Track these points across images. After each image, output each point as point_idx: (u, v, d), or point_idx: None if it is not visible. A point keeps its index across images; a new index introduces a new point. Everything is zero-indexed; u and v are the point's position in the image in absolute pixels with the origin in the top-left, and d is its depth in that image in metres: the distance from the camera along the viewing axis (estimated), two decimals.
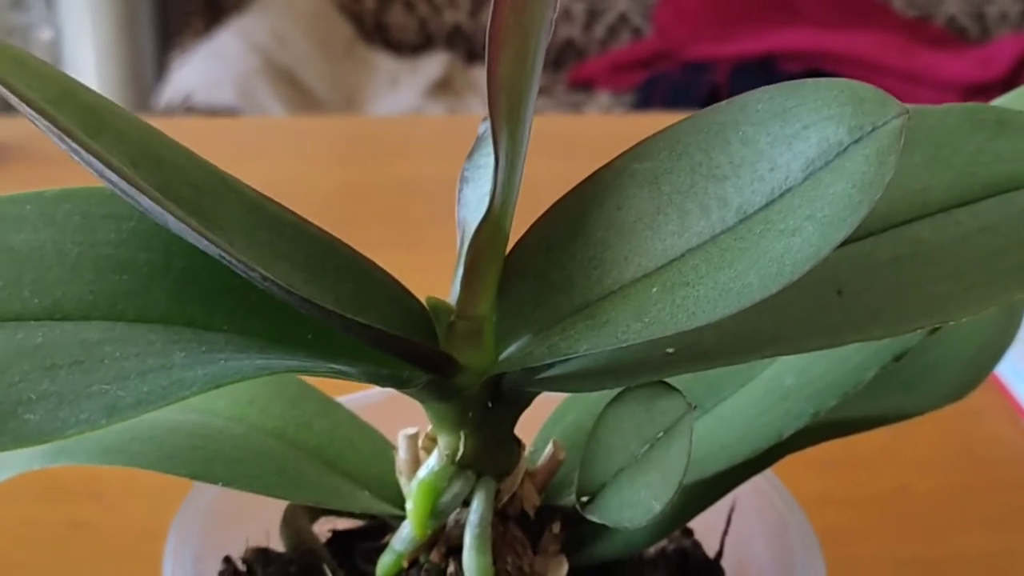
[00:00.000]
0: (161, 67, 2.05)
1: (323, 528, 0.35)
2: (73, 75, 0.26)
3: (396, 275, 0.28)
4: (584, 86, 2.11)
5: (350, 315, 0.25)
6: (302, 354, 0.27)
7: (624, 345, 0.26)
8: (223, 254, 0.24)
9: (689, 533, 0.36)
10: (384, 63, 2.03)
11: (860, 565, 0.51)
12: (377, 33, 2.15)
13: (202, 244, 0.24)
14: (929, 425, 0.60)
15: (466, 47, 2.15)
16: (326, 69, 1.93)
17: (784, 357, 0.33)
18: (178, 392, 0.24)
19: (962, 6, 2.18)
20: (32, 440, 0.23)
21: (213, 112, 1.73)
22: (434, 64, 2.01)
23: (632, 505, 0.28)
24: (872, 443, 0.59)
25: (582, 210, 0.29)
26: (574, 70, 2.15)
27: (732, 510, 0.35)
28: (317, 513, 0.35)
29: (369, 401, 0.36)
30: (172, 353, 0.25)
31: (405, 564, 0.31)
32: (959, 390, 0.35)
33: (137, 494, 0.54)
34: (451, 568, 0.30)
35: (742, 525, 0.35)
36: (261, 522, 0.34)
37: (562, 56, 2.18)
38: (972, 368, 0.35)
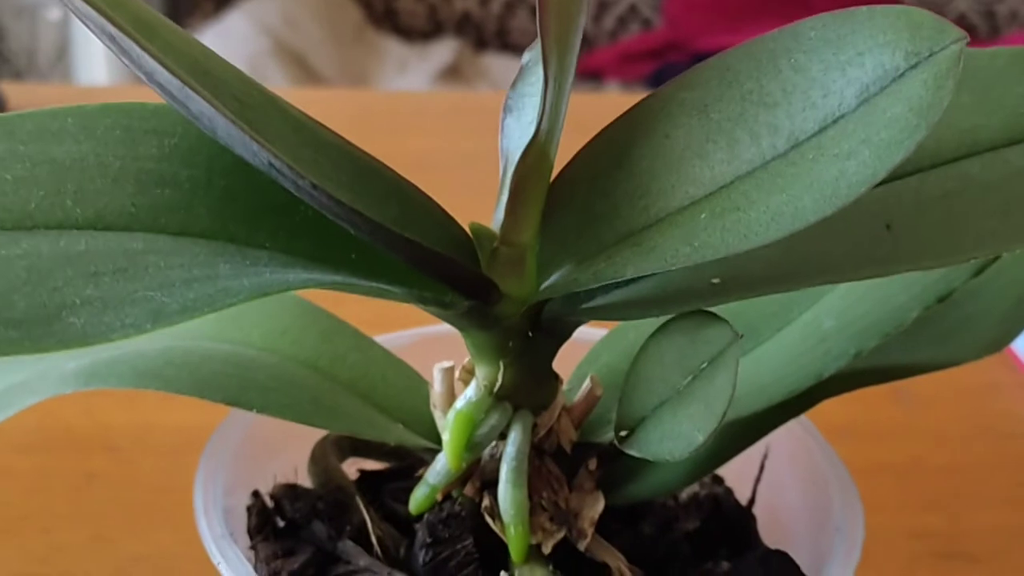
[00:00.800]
0: None
1: (351, 469, 0.35)
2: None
3: None
4: (594, 76, 2.10)
5: (397, 230, 0.25)
6: (346, 272, 0.26)
7: (672, 269, 0.26)
8: (272, 162, 0.24)
9: (720, 481, 0.36)
10: (393, 48, 2.02)
11: (874, 535, 0.50)
12: (387, 18, 2.14)
13: (250, 152, 0.24)
14: (945, 399, 0.61)
15: (475, 34, 2.14)
16: (335, 53, 1.92)
17: (824, 301, 0.33)
18: (224, 299, 0.23)
19: (972, 4, 2.18)
20: (77, 342, 0.22)
21: None
22: (443, 50, 2.01)
23: (673, 437, 0.28)
24: (887, 415, 0.59)
25: (628, 139, 0.28)
26: (584, 60, 2.14)
27: (765, 457, 0.35)
28: (345, 452, 0.34)
29: (401, 342, 0.36)
30: (216, 264, 0.25)
31: (439, 497, 0.30)
32: (995, 343, 0.35)
33: (151, 448, 0.53)
34: (486, 502, 0.30)
35: (776, 472, 0.35)
36: (290, 459, 0.34)
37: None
38: (1008, 322, 0.35)
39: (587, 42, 2.18)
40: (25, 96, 0.96)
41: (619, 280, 0.27)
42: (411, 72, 1.94)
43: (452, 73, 1.97)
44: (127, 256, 0.24)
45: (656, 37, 2.13)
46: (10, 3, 2.08)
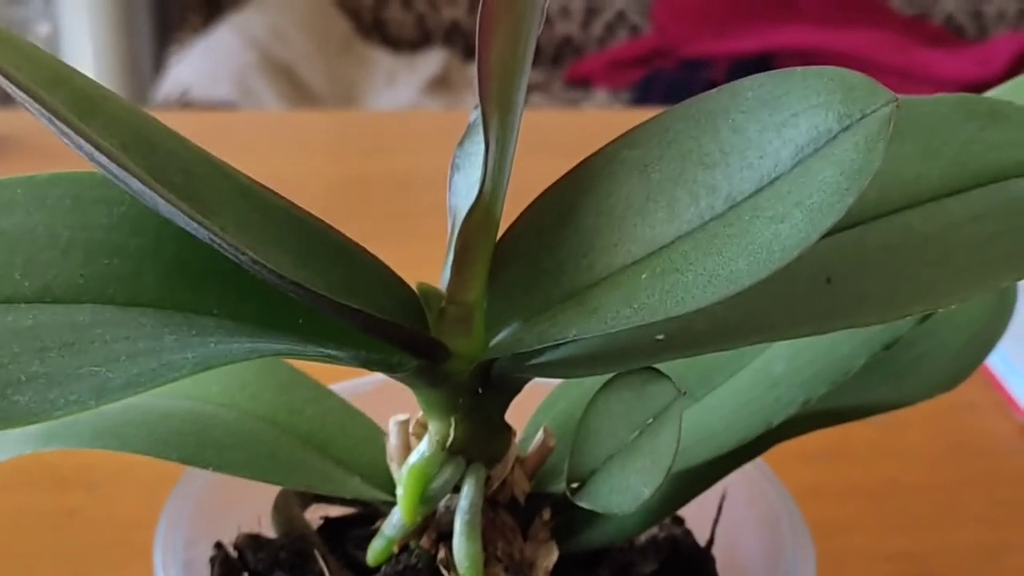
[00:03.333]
0: (159, 62, 2.05)
1: (314, 515, 0.35)
2: None
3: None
4: (582, 83, 2.11)
5: (340, 299, 0.25)
6: (293, 338, 0.27)
7: (613, 331, 0.26)
8: (213, 237, 0.24)
9: (680, 522, 0.36)
10: (382, 59, 2.03)
11: (849, 557, 0.51)
12: (375, 29, 2.15)
13: (192, 227, 0.25)
14: (920, 418, 0.61)
15: (464, 44, 2.15)
16: (323, 65, 1.93)
17: (774, 346, 0.33)
18: (168, 374, 0.24)
19: (960, 4, 2.19)
20: (21, 420, 0.23)
21: (210, 107, 1.73)
22: (432, 61, 2.01)
23: (622, 491, 0.28)
24: (862, 436, 0.60)
25: (572, 197, 0.29)
26: (572, 67, 2.15)
27: (723, 499, 0.35)
28: (308, 500, 0.35)
29: (360, 389, 0.36)
30: (162, 336, 0.25)
31: (396, 549, 0.31)
32: (949, 380, 0.35)
33: (131, 484, 0.54)
34: (441, 554, 0.30)
35: (733, 514, 0.35)
36: (252, 508, 0.34)
37: (560, 53, 2.18)
38: (962, 359, 0.35)
39: (575, 49, 2.19)
40: (9, 124, 0.97)
41: (564, 340, 0.28)
42: (400, 83, 1.95)
43: (441, 83, 1.97)
44: (74, 330, 0.25)
45: (644, 44, 2.13)
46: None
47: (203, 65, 1.84)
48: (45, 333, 0.25)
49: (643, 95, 1.99)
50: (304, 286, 0.25)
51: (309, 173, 0.91)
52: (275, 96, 1.79)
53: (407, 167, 0.95)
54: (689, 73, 1.99)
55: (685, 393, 0.27)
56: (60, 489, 0.53)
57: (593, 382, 0.33)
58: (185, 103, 1.75)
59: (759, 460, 0.35)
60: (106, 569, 0.49)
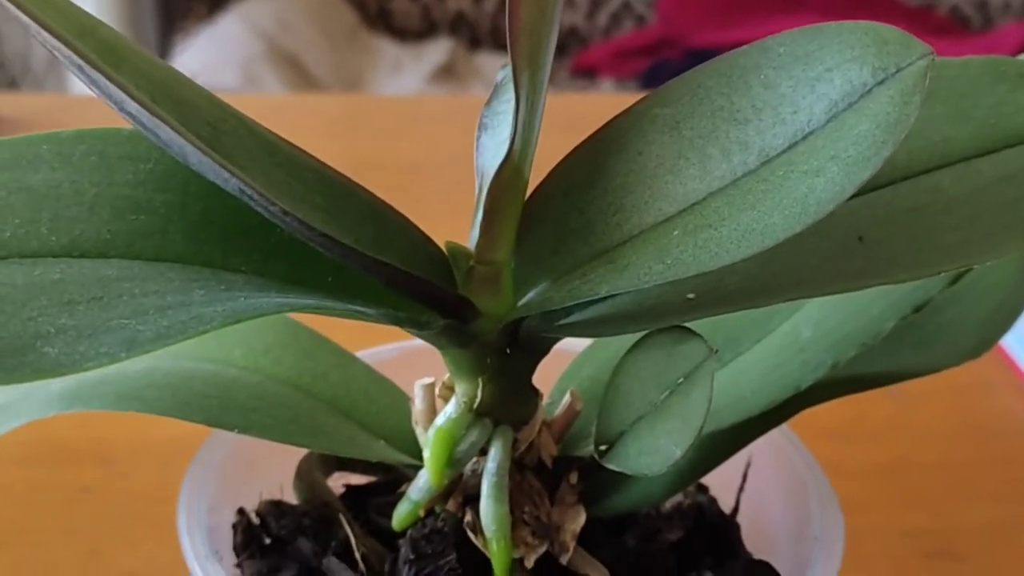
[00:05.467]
0: (164, 51, 2.05)
1: (337, 484, 0.35)
2: None
3: None
4: (587, 73, 2.10)
5: (370, 253, 0.25)
6: (321, 294, 0.27)
7: (645, 287, 0.26)
8: (243, 188, 0.24)
9: (705, 490, 0.36)
10: (387, 49, 2.02)
11: (865, 535, 0.51)
12: (380, 19, 2.14)
13: (221, 179, 0.24)
14: (934, 397, 0.61)
15: (469, 34, 2.14)
16: (329, 54, 1.92)
17: (802, 310, 0.33)
18: (197, 326, 0.23)
19: None
20: (50, 372, 0.22)
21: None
22: (437, 50, 2.01)
23: (651, 452, 0.28)
24: (877, 415, 0.59)
25: (601, 156, 0.29)
26: (577, 57, 2.14)
27: (748, 466, 0.35)
28: (331, 467, 0.34)
29: (384, 356, 0.36)
30: (191, 291, 0.25)
31: (421, 513, 0.30)
32: (975, 348, 0.35)
33: (146, 459, 0.54)
34: (467, 517, 0.30)
35: (759, 481, 0.35)
36: (275, 476, 0.34)
37: (565, 43, 2.18)
38: (987, 327, 0.35)
39: (581, 39, 2.18)
40: (17, 107, 0.97)
41: (594, 297, 0.27)
42: (405, 72, 1.94)
43: (446, 73, 1.97)
44: (101, 284, 0.24)
45: (650, 34, 2.13)
46: (4, 8, 2.07)
47: (209, 54, 1.83)
48: (73, 287, 0.24)
49: (649, 85, 1.98)
50: (334, 239, 0.25)
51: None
52: (281, 85, 1.79)
53: (415, 151, 0.95)
54: (695, 63, 1.98)
55: (717, 351, 0.27)
56: (75, 465, 0.53)
57: (619, 348, 0.33)
58: None
59: (785, 427, 0.35)
60: (122, 544, 0.49)
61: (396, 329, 0.38)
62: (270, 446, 0.34)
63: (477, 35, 2.13)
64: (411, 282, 0.26)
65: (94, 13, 0.25)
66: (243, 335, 0.33)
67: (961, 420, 0.60)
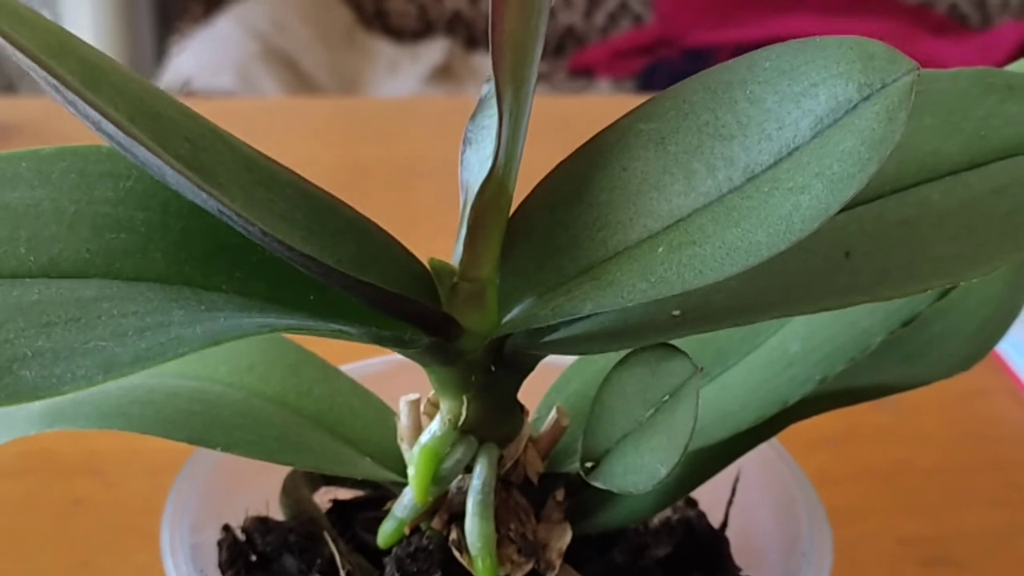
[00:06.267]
0: (160, 52, 2.04)
1: (323, 499, 0.35)
2: None
3: None
4: (585, 73, 2.10)
5: (352, 273, 0.25)
6: (304, 314, 0.26)
7: (630, 305, 0.26)
8: (221, 208, 0.24)
9: (694, 504, 0.36)
10: (384, 49, 2.02)
11: (862, 542, 0.51)
12: (377, 19, 2.14)
13: (200, 199, 0.24)
14: (930, 405, 0.60)
15: (466, 33, 2.14)
16: (325, 55, 1.92)
17: (790, 325, 0.33)
18: (176, 349, 0.23)
19: None
20: (27, 396, 0.22)
21: (212, 97, 1.73)
22: (434, 50, 2.00)
23: (637, 470, 0.28)
24: (873, 422, 0.59)
25: (586, 171, 0.28)
26: (574, 57, 2.14)
27: (737, 480, 0.35)
28: (317, 483, 0.34)
29: (369, 371, 0.36)
30: (170, 311, 0.25)
31: (407, 531, 0.30)
32: (964, 362, 0.35)
33: (137, 471, 0.53)
34: (453, 535, 0.30)
35: (747, 495, 0.35)
36: (260, 492, 0.34)
37: (562, 43, 2.17)
38: (977, 340, 0.35)
39: (577, 39, 2.18)
40: (15, 112, 0.96)
41: (579, 315, 0.27)
42: (402, 73, 1.94)
43: (443, 73, 1.97)
44: (80, 305, 0.24)
45: (647, 33, 2.13)
46: None
47: (205, 55, 1.83)
48: (51, 308, 0.24)
49: (646, 85, 1.98)
50: (315, 259, 0.24)
51: (311, 159, 0.91)
52: (277, 86, 1.78)
53: (410, 153, 0.95)
54: (693, 63, 1.98)
55: (702, 369, 0.27)
56: (66, 477, 0.53)
57: (606, 362, 0.32)
58: (187, 93, 1.74)
59: (774, 441, 0.35)
60: (113, 556, 0.49)
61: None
62: (255, 462, 0.33)
63: (474, 35, 2.13)
64: (394, 301, 0.26)
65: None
66: (227, 352, 0.33)
67: (957, 427, 0.59)
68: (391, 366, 0.36)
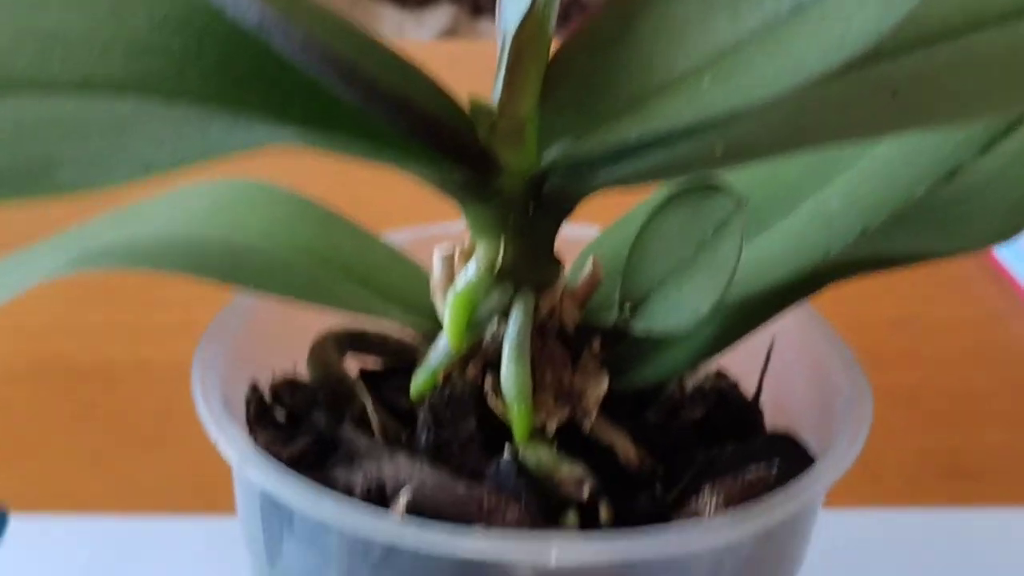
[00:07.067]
0: None
1: (350, 368, 0.34)
2: None
3: None
4: None
5: (395, 92, 0.24)
6: (342, 135, 0.26)
7: (676, 131, 0.25)
8: (262, 15, 0.23)
9: (725, 377, 0.36)
10: (389, 15, 2.01)
11: (881, 453, 0.50)
12: None
13: (240, 8, 0.23)
14: (948, 329, 0.60)
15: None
16: None
17: (830, 185, 0.32)
18: (218, 151, 0.23)
19: None
20: (67, 189, 0.22)
21: None
22: (440, 16, 2.00)
23: (679, 309, 0.27)
24: (891, 346, 0.59)
25: (627, 13, 0.28)
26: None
27: (771, 348, 0.34)
28: (345, 347, 0.34)
29: (401, 238, 0.35)
30: (208, 124, 0.24)
31: (439, 381, 0.30)
32: (1000, 234, 0.34)
33: (149, 378, 0.53)
34: (488, 383, 0.29)
35: (782, 364, 0.34)
36: (287, 355, 0.33)
37: (568, 11, 2.16)
38: (1014, 214, 0.34)
39: (582, 7, 2.17)
40: None
41: (622, 147, 0.27)
42: (407, 37, 1.93)
43: (449, 37, 1.96)
44: (116, 117, 0.24)
45: None
46: None
47: None
48: (86, 119, 0.24)
49: None
50: (358, 73, 0.24)
51: None
52: None
53: None
54: None
55: (747, 202, 0.27)
56: (78, 382, 0.52)
57: (637, 227, 0.32)
58: None
59: (809, 306, 0.34)
60: (125, 460, 0.48)
61: (409, 217, 0.37)
62: (282, 324, 0.33)
63: (479, 0, 2.12)
64: (435, 128, 0.26)
65: None
66: (255, 209, 0.32)
67: (972, 350, 0.59)
68: (419, 238, 0.36)
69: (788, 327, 0.33)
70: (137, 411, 0.51)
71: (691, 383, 0.34)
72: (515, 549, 0.25)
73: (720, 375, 0.35)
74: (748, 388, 0.35)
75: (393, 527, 0.25)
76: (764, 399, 0.34)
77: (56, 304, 0.58)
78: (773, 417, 0.34)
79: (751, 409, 0.34)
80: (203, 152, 0.23)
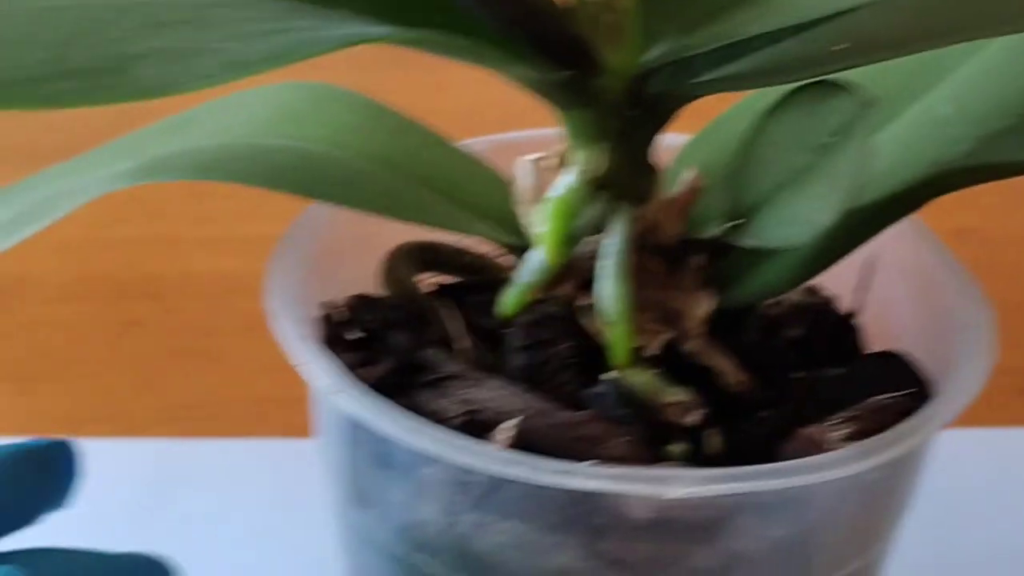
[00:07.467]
0: None
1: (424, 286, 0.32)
2: None
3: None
4: None
5: None
6: (435, 30, 0.24)
7: (791, 24, 0.23)
8: None
9: (816, 292, 0.33)
10: None
11: None
12: None
13: None
14: (1013, 241, 0.58)
15: None
16: None
17: (937, 88, 0.30)
18: (307, 49, 0.21)
19: None
20: (150, 93, 0.20)
21: None
22: None
23: (794, 222, 0.25)
24: (963, 258, 0.57)
25: None
26: None
27: (873, 267, 0.32)
28: (417, 265, 0.31)
29: (478, 147, 0.33)
30: (292, 19, 0.22)
31: (532, 299, 0.27)
32: None
33: (195, 295, 0.51)
34: (584, 302, 0.27)
35: (886, 283, 0.32)
36: (354, 275, 0.31)
37: None
38: None
39: None
40: None
41: (731, 42, 0.24)
42: None
43: None
44: (194, 7, 0.22)
45: None
46: None
47: None
48: (160, 9, 0.21)
49: None
50: None
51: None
52: None
53: None
54: None
55: (876, 102, 0.24)
56: (123, 299, 0.51)
57: (731, 131, 0.30)
58: None
59: (918, 219, 0.32)
60: (170, 376, 0.47)
61: (484, 128, 0.34)
62: (349, 242, 0.31)
63: None
64: (536, 20, 0.23)
65: None
66: (325, 117, 0.30)
67: None
68: (497, 145, 0.33)
69: (892, 242, 0.31)
70: (183, 327, 0.49)
71: (788, 304, 0.32)
72: (634, 486, 0.23)
73: (812, 291, 0.33)
74: (841, 305, 0.33)
75: (504, 459, 0.23)
76: (867, 319, 0.32)
77: (95, 218, 0.56)
78: (872, 335, 0.32)
79: (850, 329, 0.32)
80: (293, 50, 0.20)
